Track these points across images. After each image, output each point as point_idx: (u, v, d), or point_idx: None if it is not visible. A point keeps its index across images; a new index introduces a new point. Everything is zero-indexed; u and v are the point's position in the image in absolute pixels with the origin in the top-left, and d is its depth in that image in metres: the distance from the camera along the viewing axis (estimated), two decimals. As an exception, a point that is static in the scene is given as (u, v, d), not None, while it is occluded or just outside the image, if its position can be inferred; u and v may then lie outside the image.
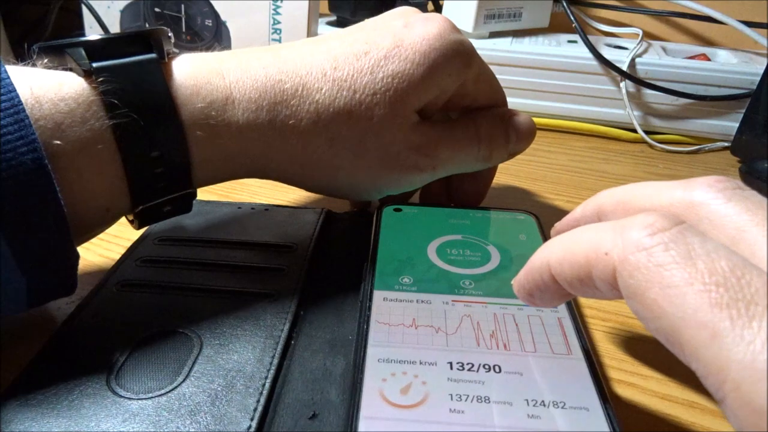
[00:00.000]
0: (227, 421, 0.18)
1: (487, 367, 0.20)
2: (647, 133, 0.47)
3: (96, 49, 0.21)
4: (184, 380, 0.20)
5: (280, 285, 0.25)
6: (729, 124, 0.46)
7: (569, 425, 0.17)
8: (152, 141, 0.22)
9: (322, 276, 0.27)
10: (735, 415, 0.13)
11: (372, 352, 0.20)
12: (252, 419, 0.19)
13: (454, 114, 0.30)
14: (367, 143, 0.26)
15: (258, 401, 0.19)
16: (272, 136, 0.24)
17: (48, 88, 0.20)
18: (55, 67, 0.21)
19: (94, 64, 0.21)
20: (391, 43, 0.25)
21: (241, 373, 0.20)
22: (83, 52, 0.21)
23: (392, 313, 0.22)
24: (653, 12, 0.56)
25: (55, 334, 0.22)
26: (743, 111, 0.42)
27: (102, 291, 0.24)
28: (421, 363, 0.20)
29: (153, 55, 0.22)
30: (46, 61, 0.22)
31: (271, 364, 0.21)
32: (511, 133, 0.29)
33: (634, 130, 0.47)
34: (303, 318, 0.24)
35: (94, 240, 0.30)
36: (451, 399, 0.18)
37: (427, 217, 0.30)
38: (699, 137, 0.47)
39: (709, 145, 0.46)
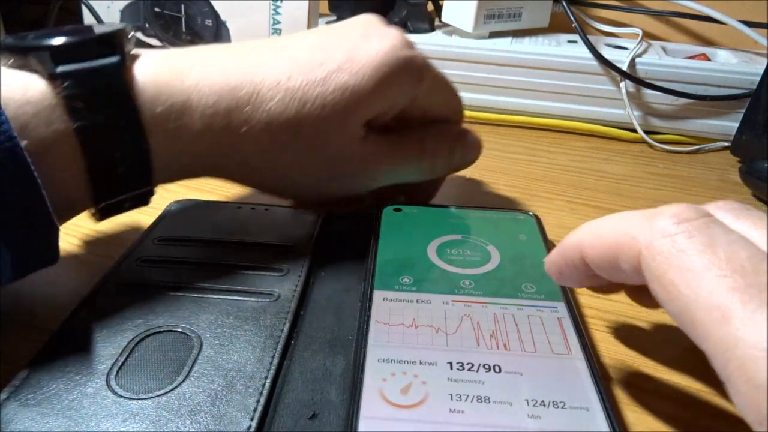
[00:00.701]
0: (227, 421, 0.18)
1: (487, 367, 0.20)
2: (647, 133, 0.47)
3: (60, 53, 0.22)
4: (184, 380, 0.20)
5: (280, 285, 0.25)
6: (729, 124, 0.46)
7: (569, 425, 0.17)
8: (114, 142, 0.23)
9: (322, 276, 0.27)
10: (738, 392, 0.13)
11: (372, 352, 0.20)
12: (252, 419, 0.19)
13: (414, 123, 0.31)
14: (315, 152, 0.27)
15: (258, 401, 0.19)
16: (226, 141, 0.25)
17: (14, 90, 0.21)
18: (21, 67, 0.22)
19: (58, 69, 0.21)
20: (344, 55, 0.26)
21: (241, 373, 0.20)
22: (48, 56, 0.21)
23: (392, 313, 0.22)
24: (653, 12, 0.56)
25: (55, 334, 0.22)
26: (743, 111, 0.42)
27: (102, 291, 0.24)
28: (421, 363, 0.20)
29: (116, 59, 0.23)
30: (11, 61, 0.22)
31: (271, 364, 0.21)
32: (457, 148, 0.31)
33: (634, 130, 0.47)
34: (303, 318, 0.24)
35: (93, 240, 0.30)
36: (451, 399, 0.18)
37: (427, 217, 0.30)
38: (699, 137, 0.47)
39: (709, 145, 0.46)
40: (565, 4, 0.51)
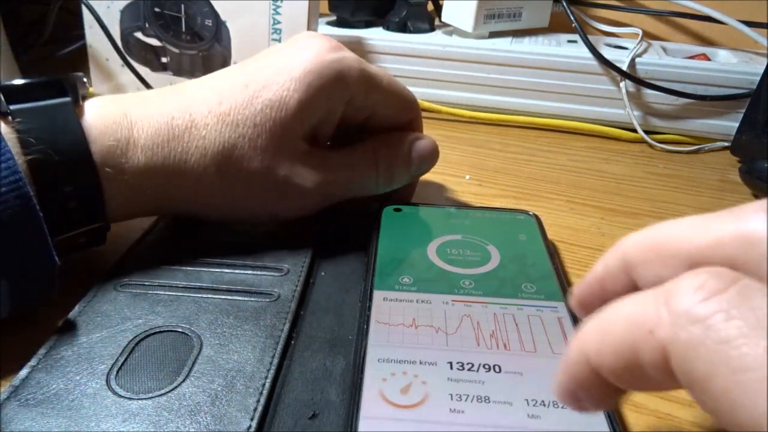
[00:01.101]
0: (227, 421, 0.18)
1: (487, 367, 0.20)
2: (647, 132, 0.47)
3: (13, 93, 0.23)
4: (184, 380, 0.20)
5: (280, 285, 0.25)
6: (729, 124, 0.45)
7: (569, 425, 0.17)
8: (66, 176, 0.23)
9: (322, 276, 0.27)
10: None
11: (372, 352, 0.20)
12: (252, 419, 0.19)
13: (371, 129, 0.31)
14: (255, 174, 0.26)
15: (258, 401, 0.19)
16: (169, 173, 0.26)
17: None
18: None
19: (12, 107, 0.23)
20: (269, 73, 0.26)
21: (241, 373, 0.20)
22: (1, 97, 0.23)
23: (392, 312, 0.22)
24: (653, 12, 0.56)
25: (55, 334, 0.22)
26: (743, 111, 0.42)
27: (101, 291, 0.24)
28: (421, 363, 0.20)
29: (67, 99, 0.24)
30: None
31: (271, 364, 0.21)
32: (414, 155, 0.30)
33: (634, 130, 0.47)
34: (303, 318, 0.24)
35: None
36: (451, 399, 0.18)
37: (427, 217, 0.30)
38: (699, 137, 0.47)
39: (709, 145, 0.46)
40: (565, 4, 0.51)
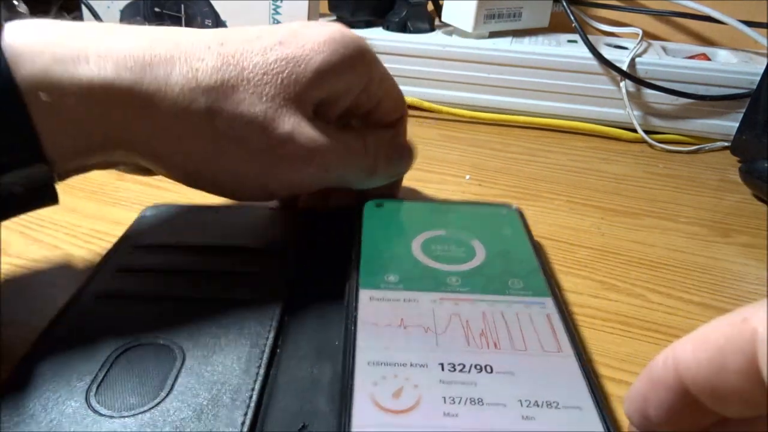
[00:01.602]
0: None
1: (478, 367, 0.19)
2: (647, 132, 0.47)
3: None
4: (167, 395, 0.19)
5: (263, 290, 0.24)
6: (729, 124, 0.45)
7: (564, 425, 0.17)
8: None
9: (305, 278, 0.26)
10: None
11: (361, 355, 0.20)
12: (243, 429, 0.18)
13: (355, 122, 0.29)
14: (254, 123, 0.23)
15: (245, 414, 0.19)
16: (139, 102, 0.21)
17: None
18: None
19: None
20: (286, 32, 0.24)
21: (226, 385, 0.20)
22: None
23: (379, 313, 0.22)
24: (653, 12, 0.56)
25: (29, 352, 0.21)
26: (743, 111, 0.42)
27: (77, 303, 0.23)
28: (411, 365, 0.19)
29: None
30: None
31: (257, 374, 0.20)
32: (394, 152, 0.29)
33: (634, 130, 0.47)
34: (288, 324, 0.23)
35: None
36: (445, 402, 0.18)
37: (410, 212, 0.29)
38: (699, 137, 0.47)
39: (709, 144, 0.46)
40: (565, 4, 0.51)
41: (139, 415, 0.19)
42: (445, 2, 0.51)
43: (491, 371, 0.19)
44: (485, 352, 0.20)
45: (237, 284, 0.25)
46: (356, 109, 0.27)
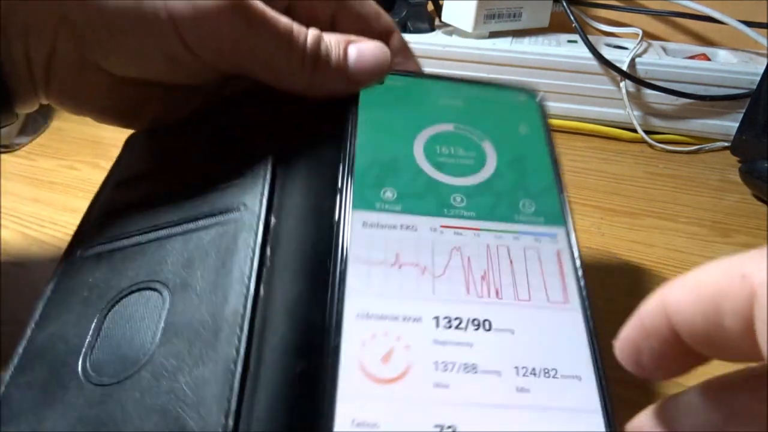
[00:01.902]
0: (203, 382, 0.16)
1: (476, 323, 0.17)
2: (647, 132, 0.47)
3: None
4: (157, 347, 0.18)
5: (245, 199, 0.21)
6: (729, 124, 0.45)
7: (559, 399, 0.16)
8: None
9: (289, 186, 0.22)
10: None
11: (350, 304, 0.17)
12: (234, 376, 0.16)
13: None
14: None
15: (239, 347, 0.17)
16: None
17: None
18: None
19: None
20: None
21: (219, 318, 0.18)
22: None
23: (373, 245, 0.19)
24: (653, 12, 0.56)
25: (29, 328, 0.21)
26: (743, 111, 0.42)
27: (67, 264, 0.22)
28: (404, 319, 0.17)
29: None
30: None
31: (245, 308, 0.17)
32: (353, 53, 0.23)
33: (634, 130, 0.47)
34: (276, 234, 0.20)
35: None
36: (436, 369, 0.16)
37: (415, 92, 0.25)
38: (699, 137, 0.47)
39: (709, 145, 0.46)
40: (565, 4, 0.51)
41: (132, 377, 0.17)
42: (445, 2, 0.51)
43: (489, 328, 0.17)
44: (485, 303, 0.18)
45: (217, 199, 0.22)
46: (309, 18, 0.24)
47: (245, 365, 0.16)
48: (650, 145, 0.46)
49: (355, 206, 0.20)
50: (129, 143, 0.28)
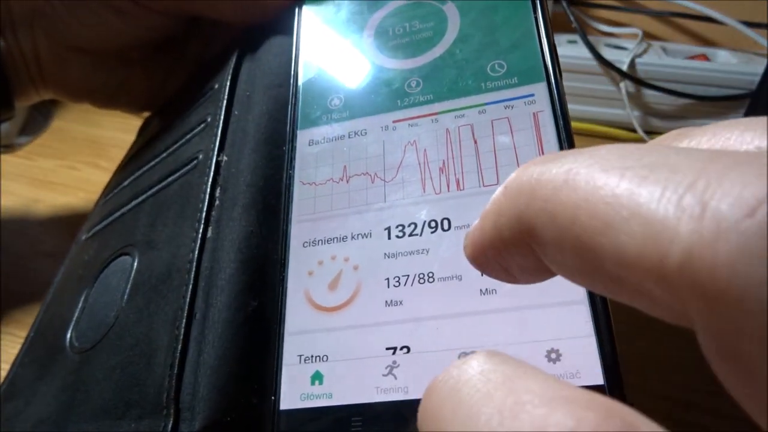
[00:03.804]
0: (156, 334, 0.16)
1: (433, 225, 0.15)
2: (647, 133, 0.46)
3: None
4: (122, 308, 0.18)
5: (202, 145, 0.20)
6: (729, 124, 0.45)
7: (527, 297, 0.14)
8: None
9: (245, 114, 0.20)
10: None
11: (296, 233, 0.16)
12: (180, 324, 0.16)
13: None
14: None
15: (185, 294, 0.16)
16: None
17: None
18: None
19: None
20: None
21: (173, 268, 0.17)
22: None
23: (319, 163, 0.17)
24: (653, 12, 0.56)
25: (40, 313, 0.22)
26: (743, 111, 0.42)
27: (76, 246, 0.24)
28: (353, 237, 0.16)
29: None
30: None
31: (193, 252, 0.17)
32: None
33: (634, 130, 0.47)
34: (228, 172, 0.19)
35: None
36: (388, 285, 0.15)
37: None
38: (699, 137, 0.47)
39: (709, 145, 0.46)
40: (565, 4, 0.51)
41: (103, 340, 0.17)
42: (445, 2, 0.51)
43: (448, 227, 0.15)
44: (444, 199, 0.16)
45: (182, 150, 0.22)
46: None
47: (190, 312, 0.16)
48: (650, 145, 0.46)
49: (301, 126, 0.18)
50: (140, 129, 0.30)
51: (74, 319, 0.19)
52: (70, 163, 0.43)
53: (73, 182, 0.40)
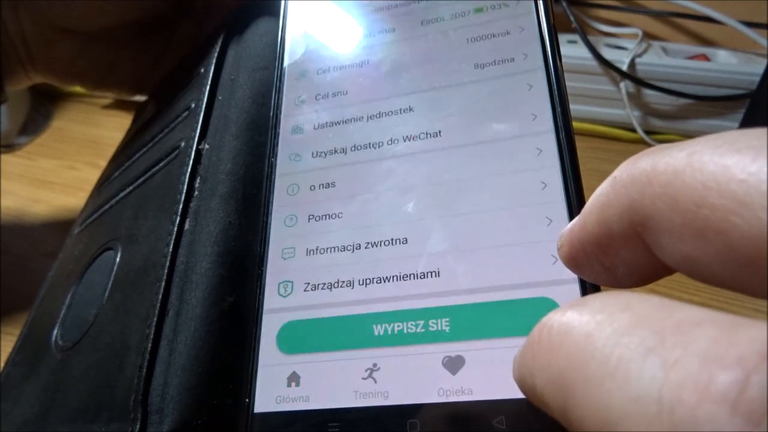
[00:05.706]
0: (130, 331, 0.16)
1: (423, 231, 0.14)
2: (647, 133, 0.47)
3: None
4: (102, 306, 0.18)
5: (184, 133, 0.20)
6: (729, 124, 0.45)
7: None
8: None
9: (227, 98, 0.20)
10: None
11: (276, 215, 0.15)
12: (151, 321, 0.15)
13: None
14: None
15: (158, 290, 0.16)
16: None
17: None
18: None
19: None
20: None
21: (149, 263, 0.17)
22: None
23: (303, 151, 0.16)
24: (653, 12, 0.56)
25: (33, 309, 0.21)
26: (743, 111, 0.42)
27: (70, 239, 0.24)
28: (329, 216, 0.15)
29: None
30: None
31: (169, 241, 0.16)
32: None
33: (634, 131, 0.47)
34: (209, 160, 0.18)
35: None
36: (369, 285, 0.14)
37: None
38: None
39: (709, 145, 0.46)
40: (564, 4, 0.51)
41: (86, 336, 0.17)
42: (445, 2, 0.51)
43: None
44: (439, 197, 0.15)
45: (166, 138, 0.21)
46: None
47: (162, 309, 0.15)
48: (650, 146, 0.46)
49: (285, 111, 0.17)
50: (134, 115, 0.29)
51: (61, 316, 0.19)
52: (70, 163, 0.43)
53: (73, 182, 0.40)
